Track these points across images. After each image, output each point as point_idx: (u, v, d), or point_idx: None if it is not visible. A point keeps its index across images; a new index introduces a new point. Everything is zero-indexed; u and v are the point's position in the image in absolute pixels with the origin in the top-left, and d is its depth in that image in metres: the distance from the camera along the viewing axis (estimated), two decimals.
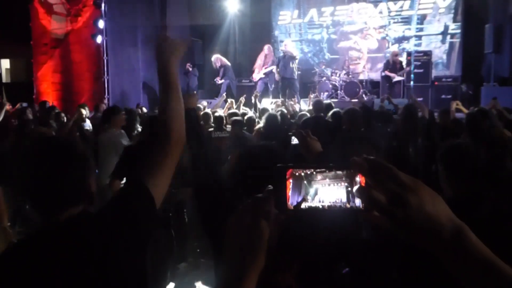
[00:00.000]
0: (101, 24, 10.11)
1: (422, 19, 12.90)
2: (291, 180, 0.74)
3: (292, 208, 0.74)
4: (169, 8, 11.90)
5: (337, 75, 12.13)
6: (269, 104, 9.89)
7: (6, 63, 14.10)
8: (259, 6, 13.73)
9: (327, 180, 0.73)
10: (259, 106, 7.48)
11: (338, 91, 11.91)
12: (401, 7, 13.05)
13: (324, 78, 12.37)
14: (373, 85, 12.29)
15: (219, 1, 13.11)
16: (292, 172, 0.74)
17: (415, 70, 11.07)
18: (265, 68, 11.06)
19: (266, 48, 11.11)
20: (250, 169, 1.92)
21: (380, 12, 13.30)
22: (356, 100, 11.22)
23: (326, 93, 11.90)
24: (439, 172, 2.32)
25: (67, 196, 1.31)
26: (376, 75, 12.47)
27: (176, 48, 1.62)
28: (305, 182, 0.74)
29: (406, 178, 0.68)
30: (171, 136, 1.50)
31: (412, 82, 11.03)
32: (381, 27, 13.33)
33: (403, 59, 11.77)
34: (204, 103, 7.81)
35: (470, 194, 2.11)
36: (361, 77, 12.48)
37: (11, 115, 7.34)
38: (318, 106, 6.22)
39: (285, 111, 6.72)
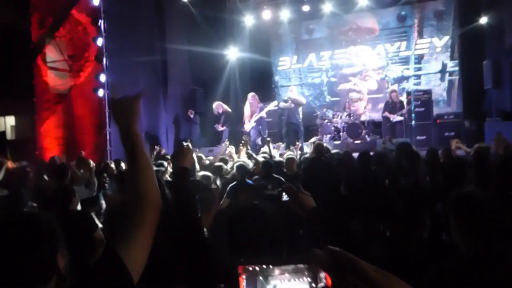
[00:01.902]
0: (102, 78, 10.28)
1: (420, 58, 13.04)
2: (244, 276, 0.63)
3: None
4: (169, 59, 12.13)
5: (339, 117, 12.15)
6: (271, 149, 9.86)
7: (11, 120, 14.28)
8: (259, 53, 13.98)
9: (287, 275, 0.63)
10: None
11: (341, 133, 11.89)
12: (398, 48, 13.23)
13: (326, 120, 12.38)
14: (375, 126, 12.27)
15: (219, 49, 13.36)
16: (244, 267, 0.64)
17: (416, 109, 11.05)
18: (255, 116, 11.03)
19: (250, 96, 11.12)
20: (239, 232, 1.84)
21: (378, 54, 13.48)
22: (359, 141, 11.18)
23: (328, 136, 11.88)
24: (450, 223, 2.16)
25: (31, 276, 1.20)
26: (377, 116, 12.47)
27: (131, 107, 1.55)
28: (260, 278, 0.63)
29: (375, 273, 0.59)
30: (144, 206, 1.40)
31: (413, 121, 10.98)
32: (380, 68, 13.47)
33: (403, 98, 11.80)
34: (199, 154, 7.72)
35: (487, 250, 1.91)
36: (363, 118, 12.47)
37: (12, 174, 7.27)
38: (320, 149, 6.18)
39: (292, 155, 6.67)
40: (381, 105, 12.68)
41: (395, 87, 12.92)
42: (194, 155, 6.18)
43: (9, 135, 13.72)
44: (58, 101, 10.76)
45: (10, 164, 7.63)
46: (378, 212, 2.95)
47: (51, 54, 10.94)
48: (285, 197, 3.40)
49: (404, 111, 10.86)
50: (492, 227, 1.98)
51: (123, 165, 6.81)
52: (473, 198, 2.12)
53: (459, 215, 2.10)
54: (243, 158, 6.98)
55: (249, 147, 7.60)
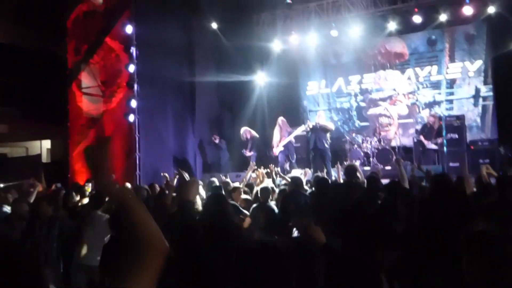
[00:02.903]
0: (133, 103, 10.53)
1: (451, 83, 12.78)
2: None
3: None
4: (198, 84, 12.34)
5: (369, 142, 12.01)
6: (298, 174, 9.79)
7: (47, 144, 14.77)
8: (287, 77, 14.04)
9: None
10: (281, 177, 7.45)
11: (371, 158, 11.72)
12: (429, 72, 13.02)
13: (355, 145, 12.25)
14: (406, 151, 12.04)
15: (247, 74, 13.51)
16: None
17: (449, 135, 10.76)
18: (283, 140, 11.07)
19: (280, 121, 11.20)
20: (249, 269, 1.81)
21: (408, 78, 13.30)
22: (389, 167, 10.98)
23: (358, 161, 11.72)
24: (464, 262, 2.07)
25: None
26: (408, 141, 12.25)
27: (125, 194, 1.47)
28: None
29: None
30: (145, 252, 1.34)
31: (445, 148, 10.70)
32: (410, 92, 13.27)
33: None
34: (223, 178, 7.74)
35: None
36: (393, 143, 12.29)
37: (45, 198, 7.41)
38: (350, 171, 6.04)
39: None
40: (412, 130, 12.48)
41: (426, 112, 12.71)
42: (201, 188, 6.24)
43: (45, 158, 14.15)
44: (90, 126, 11.06)
45: (41, 187, 7.86)
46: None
47: (85, 80, 11.31)
48: (295, 233, 3.33)
49: (440, 140, 10.60)
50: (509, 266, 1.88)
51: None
52: (488, 236, 2.03)
53: (473, 253, 2.02)
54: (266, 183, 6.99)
55: (275, 175, 7.57)
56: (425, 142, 10.66)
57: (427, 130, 10.79)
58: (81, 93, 11.33)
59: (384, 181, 5.92)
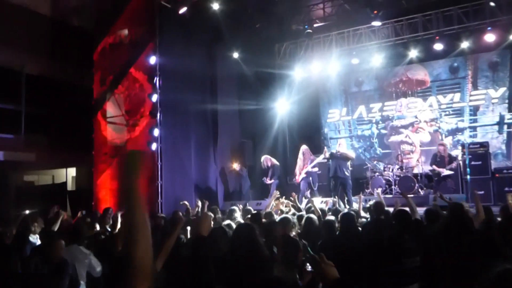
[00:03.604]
0: (156, 132, 10.72)
1: (475, 110, 12.64)
2: None
3: None
4: (220, 112, 12.50)
5: (390, 169, 11.90)
6: (319, 203, 9.74)
7: (72, 172, 15.08)
8: (308, 105, 14.14)
9: None
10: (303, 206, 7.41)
11: (392, 186, 11.58)
12: (452, 99, 12.92)
13: (377, 173, 12.14)
14: (429, 179, 11.84)
15: (268, 102, 13.63)
16: None
17: (472, 163, 10.58)
18: (305, 167, 11.08)
19: (304, 148, 11.24)
20: None
21: (430, 106, 13.22)
22: (412, 195, 10.80)
23: (380, 189, 11.56)
24: None
25: None
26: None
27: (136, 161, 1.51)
28: None
29: None
30: (131, 271, 1.37)
31: (468, 176, 10.50)
32: (432, 120, 13.16)
33: (458, 151, 11.39)
34: (248, 207, 7.77)
35: None
36: (416, 171, 12.14)
37: (70, 225, 7.51)
38: (379, 208, 5.89)
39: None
40: None
41: (449, 139, 12.55)
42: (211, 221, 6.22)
43: (70, 186, 14.43)
44: (114, 154, 11.28)
45: (66, 215, 8.00)
46: None
47: (110, 109, 11.60)
48: (309, 267, 3.31)
49: (454, 165, 10.44)
50: None
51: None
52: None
53: None
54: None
55: (295, 203, 7.57)
56: (440, 170, 10.49)
57: (439, 160, 10.64)
58: (105, 122, 11.61)
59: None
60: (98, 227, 7.10)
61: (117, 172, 11.10)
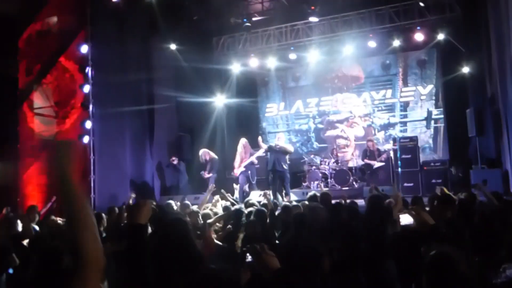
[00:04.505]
0: (88, 125, 10.23)
1: (405, 106, 13.24)
2: None
3: None
4: (156, 106, 12.17)
5: (326, 163, 12.16)
6: (257, 196, 9.76)
7: None
8: (246, 99, 14.13)
9: None
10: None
11: (328, 180, 11.85)
12: (384, 95, 13.45)
13: (314, 167, 12.36)
14: (362, 172, 12.24)
15: (206, 96, 13.46)
16: None
17: (403, 156, 11.07)
18: (245, 161, 11.04)
19: (244, 142, 11.19)
20: None
21: (364, 101, 13.68)
22: (347, 188, 11.13)
23: (316, 182, 11.82)
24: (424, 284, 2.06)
25: None
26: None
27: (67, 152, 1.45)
28: None
29: None
30: (82, 263, 1.29)
31: (399, 168, 10.99)
32: (366, 115, 13.63)
33: (390, 145, 11.90)
34: (186, 202, 7.59)
35: None
36: (350, 164, 12.53)
37: None
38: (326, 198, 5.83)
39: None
40: None
41: (381, 134, 13.07)
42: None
43: None
44: (43, 148, 10.65)
45: None
46: None
47: (38, 100, 10.93)
48: (249, 257, 3.25)
49: (383, 157, 10.96)
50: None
51: None
52: (447, 260, 2.05)
53: (433, 277, 2.03)
54: (219, 208, 6.92)
55: (230, 199, 7.51)
56: (372, 162, 10.97)
57: (369, 154, 11.16)
58: (32, 114, 10.93)
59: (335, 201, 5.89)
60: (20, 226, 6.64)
61: (45, 166, 10.48)
